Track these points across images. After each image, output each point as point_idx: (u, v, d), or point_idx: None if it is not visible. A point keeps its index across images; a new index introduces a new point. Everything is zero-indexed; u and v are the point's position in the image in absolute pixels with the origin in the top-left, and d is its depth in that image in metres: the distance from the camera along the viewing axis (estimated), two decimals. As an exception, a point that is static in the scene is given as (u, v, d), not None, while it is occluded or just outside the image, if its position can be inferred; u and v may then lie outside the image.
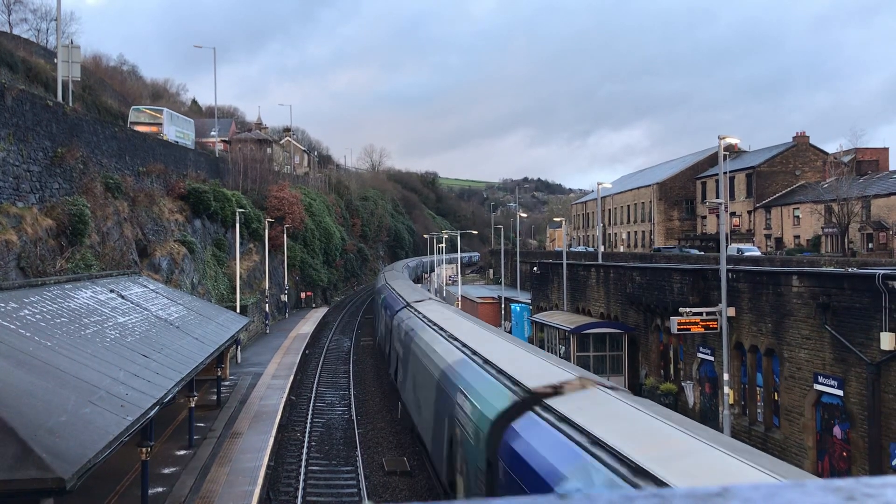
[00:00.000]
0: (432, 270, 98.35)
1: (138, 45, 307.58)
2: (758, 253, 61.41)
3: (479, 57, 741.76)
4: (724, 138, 27.64)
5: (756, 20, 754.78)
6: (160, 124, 53.31)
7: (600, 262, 49.05)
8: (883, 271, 21.27)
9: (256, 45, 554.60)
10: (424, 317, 28.62)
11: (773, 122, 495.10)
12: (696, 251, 70.26)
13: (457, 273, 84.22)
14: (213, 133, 79.36)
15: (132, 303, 25.02)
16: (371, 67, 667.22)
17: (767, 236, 75.35)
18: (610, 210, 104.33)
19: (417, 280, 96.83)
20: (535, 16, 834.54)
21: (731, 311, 26.66)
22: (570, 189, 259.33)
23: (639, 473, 9.27)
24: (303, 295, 73.29)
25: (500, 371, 15.90)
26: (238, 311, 40.63)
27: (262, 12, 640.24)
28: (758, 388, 26.65)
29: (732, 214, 78.57)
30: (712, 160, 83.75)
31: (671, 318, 28.40)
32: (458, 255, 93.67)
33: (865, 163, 70.04)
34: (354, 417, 32.24)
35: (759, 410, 26.62)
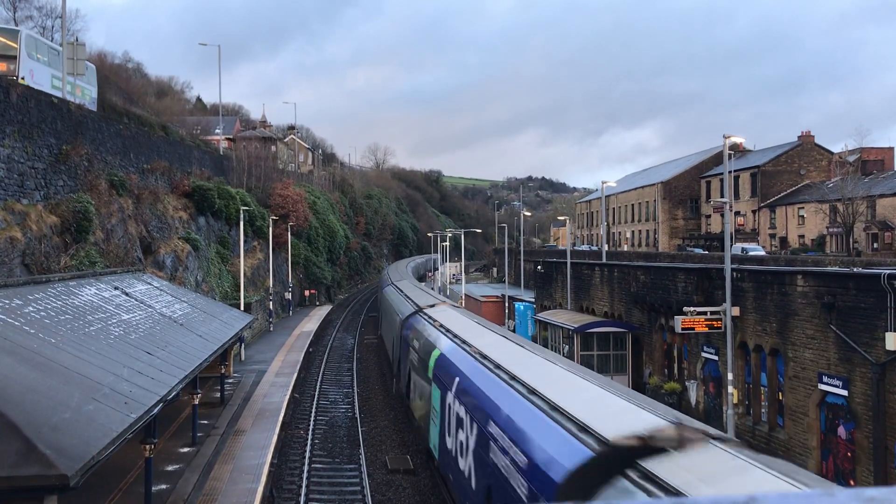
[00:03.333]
0: (435, 269, 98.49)
1: (159, 42, 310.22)
2: (762, 252, 61.30)
3: (498, 56, 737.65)
4: (729, 137, 27.56)
5: (774, 19, 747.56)
6: (13, 58, 30.92)
7: (604, 261, 48.98)
8: (888, 271, 21.18)
9: (277, 43, 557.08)
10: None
11: (787, 122, 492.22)
12: (700, 250, 70.14)
13: (461, 272, 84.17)
14: (217, 130, 79.42)
15: (136, 300, 25.04)
16: (389, 66, 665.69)
17: (772, 236, 75.19)
18: (614, 209, 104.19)
19: (421, 278, 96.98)
20: (556, 14, 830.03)
21: (736, 311, 26.59)
22: (574, 188, 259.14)
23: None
24: (306, 293, 73.35)
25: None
26: (242, 308, 40.64)
27: (285, 10, 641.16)
28: (762, 388, 26.59)
29: (737, 214, 78.40)
30: (717, 159, 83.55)
31: (675, 317, 28.34)
32: (429, 256, 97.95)
33: (871, 162, 69.86)
34: (358, 415, 32.24)
35: (763, 410, 26.55)
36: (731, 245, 34.62)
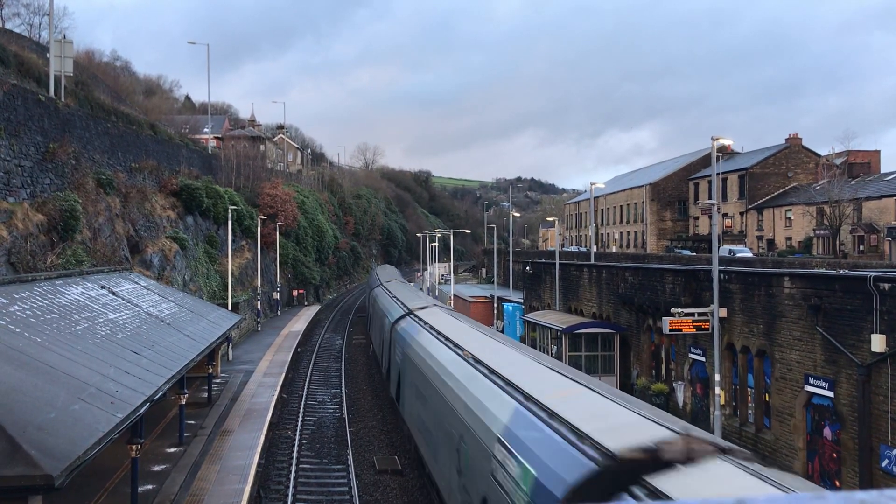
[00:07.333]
0: (425, 269, 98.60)
1: (168, 42, 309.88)
2: (749, 254, 61.56)
3: (502, 57, 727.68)
4: (717, 139, 27.67)
5: (778, 22, 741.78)
6: None
7: (592, 262, 49.09)
8: (874, 273, 21.32)
9: (285, 43, 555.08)
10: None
11: (785, 125, 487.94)
12: (688, 252, 70.43)
13: (449, 272, 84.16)
14: (205, 130, 79.14)
15: (123, 299, 24.91)
16: (394, 66, 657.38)
17: (759, 238, 75.57)
18: (603, 210, 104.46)
19: (409, 279, 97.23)
20: (562, 16, 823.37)
21: (723, 312, 26.70)
22: (563, 189, 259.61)
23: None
24: (295, 293, 73.17)
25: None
26: (230, 308, 40.51)
27: (295, 11, 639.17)
28: (749, 389, 26.71)
29: (724, 216, 78.75)
30: (705, 161, 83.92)
31: (663, 318, 28.43)
32: (388, 266, 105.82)
33: (857, 165, 70.28)
34: (346, 416, 32.19)
35: (749, 411, 26.67)
36: (719, 247, 34.78)
